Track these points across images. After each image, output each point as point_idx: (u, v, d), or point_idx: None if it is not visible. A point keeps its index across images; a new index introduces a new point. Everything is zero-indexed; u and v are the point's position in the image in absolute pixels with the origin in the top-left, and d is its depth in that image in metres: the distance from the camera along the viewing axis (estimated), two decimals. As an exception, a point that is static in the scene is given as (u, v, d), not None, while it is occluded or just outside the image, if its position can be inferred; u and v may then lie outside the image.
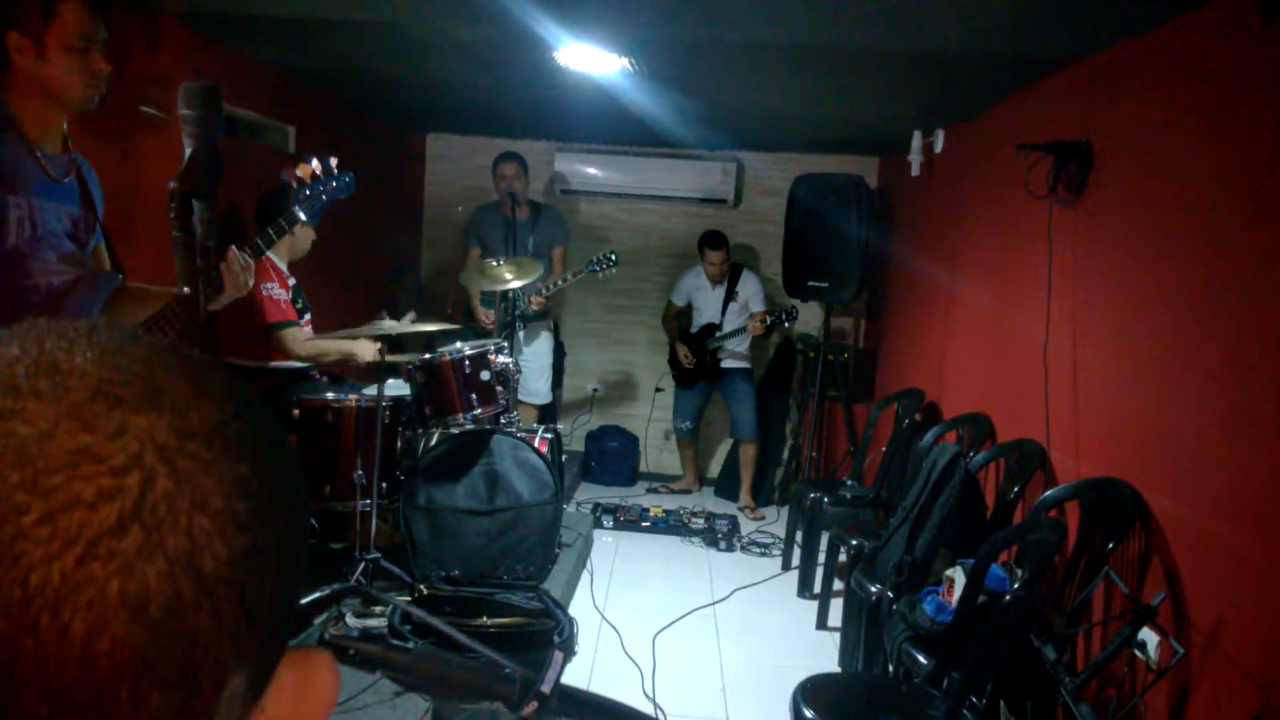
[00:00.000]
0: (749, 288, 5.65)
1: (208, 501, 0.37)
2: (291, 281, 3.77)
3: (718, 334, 5.61)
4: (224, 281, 2.26)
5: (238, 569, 0.38)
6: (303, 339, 3.66)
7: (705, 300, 5.72)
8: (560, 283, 5.00)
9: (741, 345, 5.65)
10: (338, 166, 2.76)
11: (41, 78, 1.92)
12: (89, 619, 0.34)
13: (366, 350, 3.71)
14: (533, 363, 5.20)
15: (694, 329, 5.77)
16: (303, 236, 3.81)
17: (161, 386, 0.39)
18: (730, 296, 5.64)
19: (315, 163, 2.71)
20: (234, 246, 2.33)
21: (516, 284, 4.33)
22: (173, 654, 0.35)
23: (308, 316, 3.86)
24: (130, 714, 0.35)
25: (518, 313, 4.64)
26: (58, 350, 0.38)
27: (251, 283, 2.35)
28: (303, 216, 2.68)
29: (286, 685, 0.43)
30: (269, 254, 3.72)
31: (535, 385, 5.28)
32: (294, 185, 2.67)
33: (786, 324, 5.38)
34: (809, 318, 6.03)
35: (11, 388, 0.36)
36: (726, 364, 5.68)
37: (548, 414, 5.73)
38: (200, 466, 0.38)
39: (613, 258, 4.94)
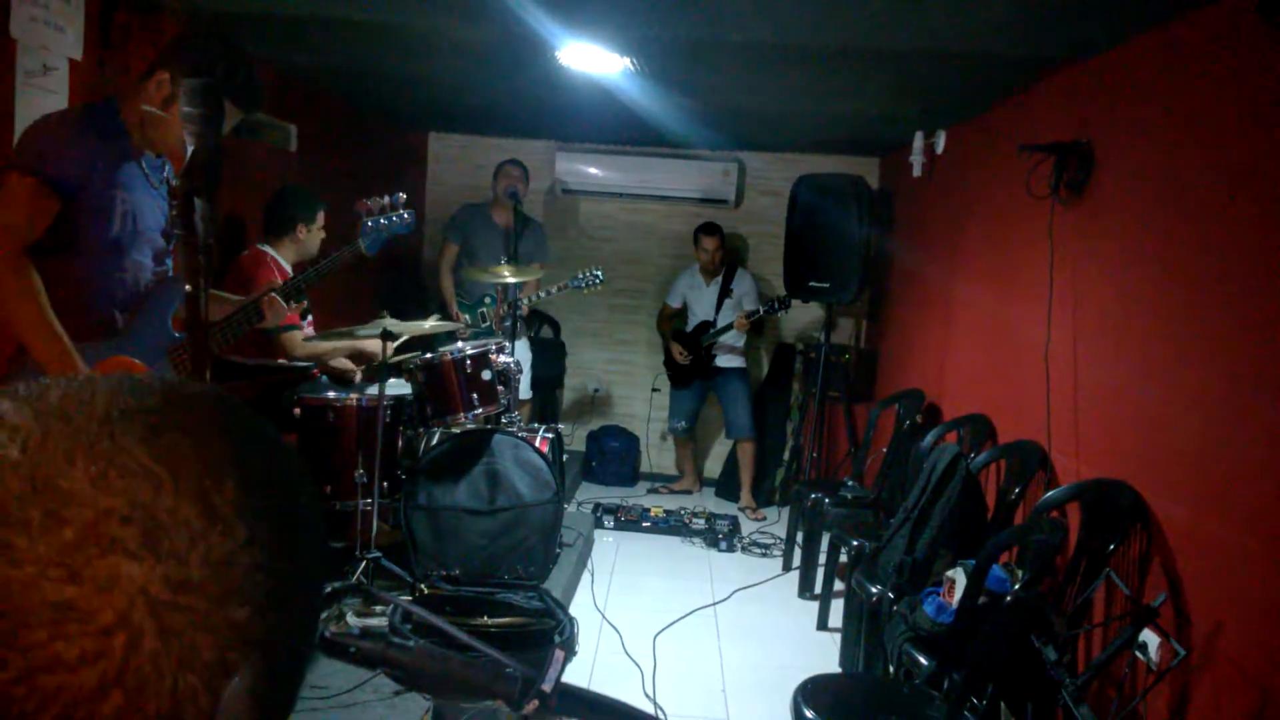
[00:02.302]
0: (743, 285, 5.66)
1: (197, 658, 0.35)
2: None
3: (712, 330, 5.61)
4: (265, 314, 2.53)
5: (226, 713, 0.36)
6: (301, 343, 3.66)
7: (700, 299, 5.73)
8: (543, 295, 5.00)
9: (738, 342, 5.65)
10: (404, 205, 2.98)
11: (154, 117, 2.14)
12: None
13: (367, 348, 3.72)
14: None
15: (689, 328, 5.77)
16: (311, 239, 3.81)
17: (163, 520, 0.36)
18: (725, 293, 5.65)
19: (385, 198, 2.89)
20: (276, 292, 2.57)
21: (513, 280, 4.34)
22: None
23: (309, 318, 3.86)
24: None
25: (518, 313, 4.65)
26: (59, 459, 0.35)
27: (283, 317, 2.62)
28: (365, 250, 2.88)
29: None
30: (275, 255, 3.73)
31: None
32: (362, 216, 2.86)
33: (779, 310, 5.35)
34: (810, 318, 6.03)
35: (2, 511, 0.34)
36: (721, 363, 5.68)
37: (544, 413, 5.73)
38: (194, 621, 0.35)
39: (599, 275, 4.95)
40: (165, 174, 2.31)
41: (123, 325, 2.23)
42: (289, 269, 3.75)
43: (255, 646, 0.37)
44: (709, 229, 5.61)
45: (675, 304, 5.86)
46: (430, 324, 3.58)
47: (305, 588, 0.41)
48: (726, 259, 5.69)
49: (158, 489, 0.36)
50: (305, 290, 2.71)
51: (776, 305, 5.29)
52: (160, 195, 2.27)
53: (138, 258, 2.23)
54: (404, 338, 3.48)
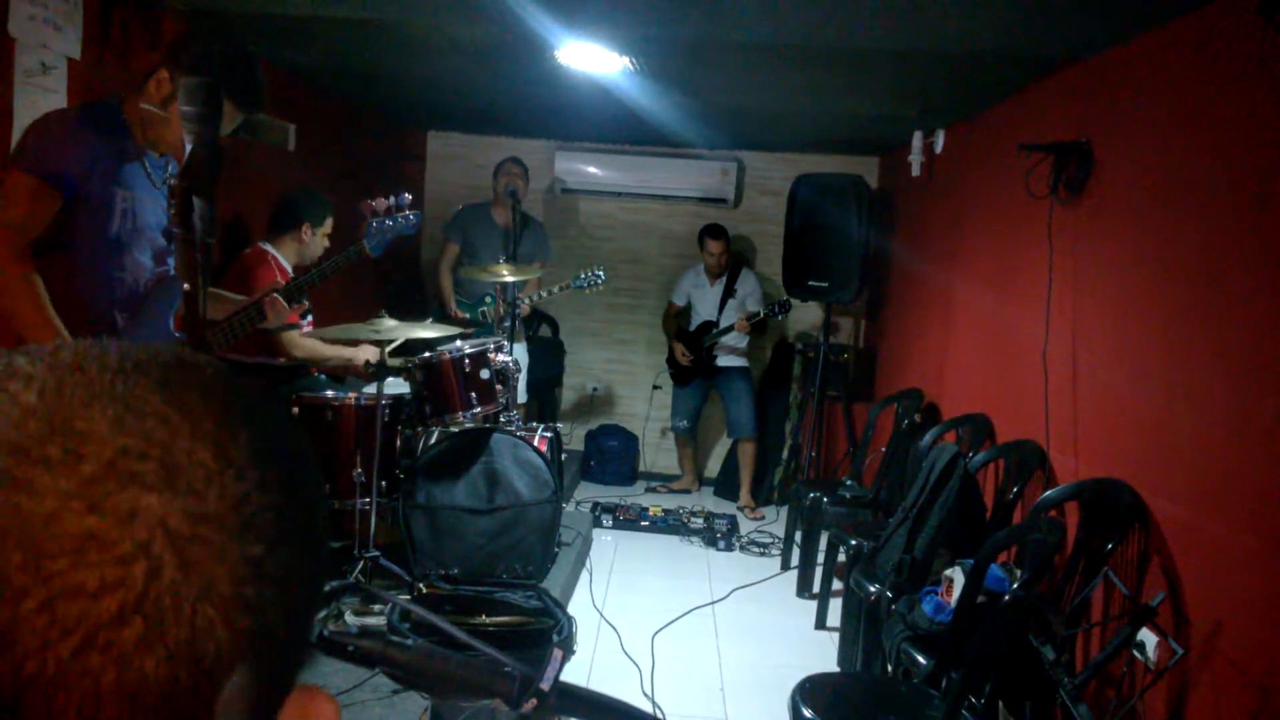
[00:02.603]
0: (747, 285, 5.66)
1: (214, 590, 0.36)
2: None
3: (714, 330, 5.61)
4: (266, 314, 2.53)
5: (241, 651, 0.37)
6: (300, 343, 3.65)
7: (704, 298, 5.73)
8: (544, 295, 5.01)
9: (740, 343, 5.66)
10: (410, 205, 2.93)
11: (154, 116, 2.14)
12: (83, 709, 0.33)
13: (365, 352, 3.72)
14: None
15: (692, 327, 5.77)
16: (314, 243, 3.81)
17: (180, 459, 0.37)
18: (729, 294, 5.65)
19: (391, 198, 2.84)
20: (279, 293, 2.59)
21: (512, 280, 4.35)
22: None
23: (309, 319, 3.86)
24: None
25: (517, 312, 4.65)
26: (75, 404, 0.36)
27: (284, 318, 2.63)
28: (370, 251, 2.83)
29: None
30: (276, 255, 3.73)
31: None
32: (366, 217, 2.80)
33: (779, 315, 5.36)
34: (809, 317, 6.03)
35: (21, 450, 0.35)
36: (723, 362, 5.68)
37: (543, 412, 5.73)
38: (211, 553, 0.36)
39: (600, 275, 4.96)
40: (168, 173, 2.31)
41: (123, 325, 2.23)
42: (289, 269, 3.75)
43: (270, 582, 0.38)
44: (714, 232, 5.60)
45: (680, 302, 5.86)
46: (427, 327, 3.58)
47: (313, 539, 0.42)
48: (731, 260, 5.69)
49: (174, 430, 0.37)
50: (307, 290, 2.71)
51: (777, 310, 5.30)
52: (162, 195, 2.27)
53: (138, 257, 2.24)
54: (398, 341, 3.48)
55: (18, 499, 0.34)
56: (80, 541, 0.34)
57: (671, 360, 5.86)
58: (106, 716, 0.33)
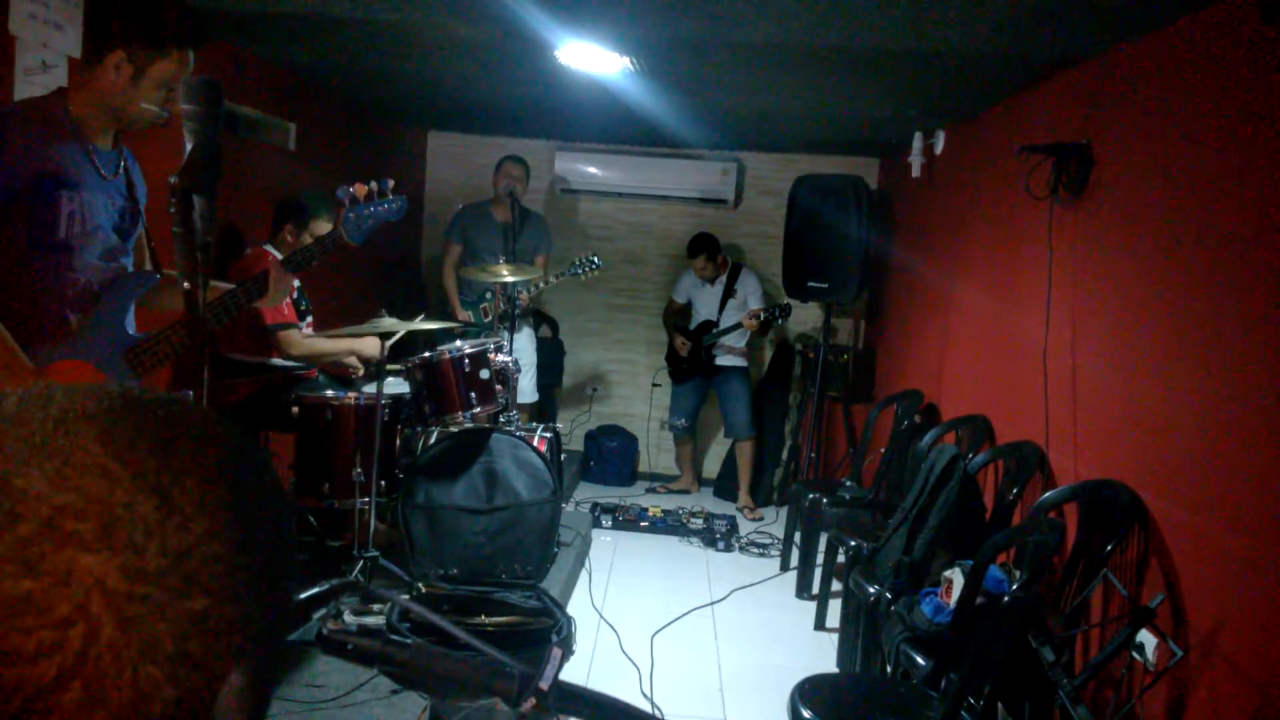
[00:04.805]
0: (747, 285, 5.66)
1: (158, 648, 0.35)
2: (296, 283, 3.76)
3: (714, 330, 5.61)
4: (268, 286, 2.37)
5: (193, 706, 0.36)
6: (297, 342, 3.65)
7: (704, 298, 5.73)
8: (542, 284, 5.02)
9: (740, 342, 5.66)
10: (392, 190, 2.71)
11: (123, 100, 2.04)
12: None
13: (368, 348, 3.72)
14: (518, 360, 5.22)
15: (692, 326, 5.77)
16: (301, 244, 3.80)
17: (119, 514, 0.36)
18: (729, 294, 5.65)
19: (373, 183, 2.66)
20: (278, 263, 2.43)
21: (511, 279, 4.36)
22: None
23: (309, 319, 3.86)
24: None
25: (516, 310, 4.65)
26: (15, 460, 0.36)
27: (287, 293, 2.48)
28: (348, 238, 2.62)
29: None
30: (278, 256, 3.72)
31: (521, 383, 5.28)
32: (345, 204, 2.63)
33: (780, 320, 5.38)
34: (809, 318, 6.03)
35: None
36: (722, 361, 5.68)
37: (542, 413, 5.73)
38: (152, 611, 0.35)
39: (595, 260, 4.96)
40: (121, 165, 2.20)
41: (76, 326, 2.12)
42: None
43: (218, 636, 0.37)
44: (692, 250, 5.58)
45: (681, 300, 5.86)
46: (419, 320, 3.57)
47: (270, 583, 0.41)
48: (726, 264, 5.68)
49: (113, 484, 0.36)
50: (301, 266, 2.54)
51: (777, 314, 5.30)
52: (115, 186, 2.15)
53: (88, 258, 2.11)
54: (399, 334, 3.47)
55: None
56: (16, 605, 0.33)
57: (671, 357, 5.87)
58: None
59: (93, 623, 0.34)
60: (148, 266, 2.34)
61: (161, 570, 0.36)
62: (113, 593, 0.34)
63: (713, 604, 4.22)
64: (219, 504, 0.39)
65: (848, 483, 4.62)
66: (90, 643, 0.34)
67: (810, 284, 5.25)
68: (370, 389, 3.51)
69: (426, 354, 3.72)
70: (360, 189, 2.64)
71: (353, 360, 3.81)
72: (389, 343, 3.41)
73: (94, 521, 0.35)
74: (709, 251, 5.56)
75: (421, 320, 3.66)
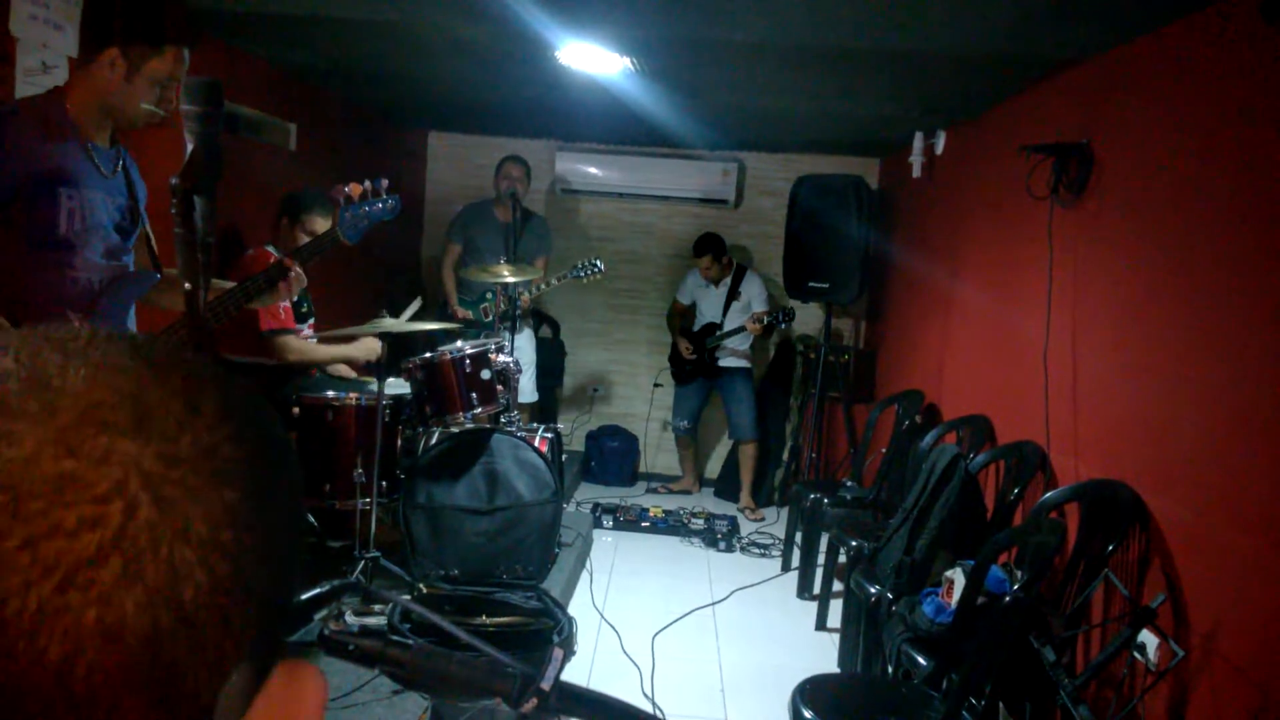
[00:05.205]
0: (752, 288, 5.66)
1: (191, 531, 0.37)
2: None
3: (718, 333, 5.61)
4: (279, 286, 2.39)
5: (221, 597, 0.37)
6: (294, 347, 3.64)
7: (708, 300, 5.73)
8: (544, 286, 5.02)
9: (743, 345, 5.66)
10: (386, 189, 2.70)
11: (120, 97, 2.04)
12: (65, 646, 0.34)
13: (367, 350, 3.72)
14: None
15: (696, 328, 5.77)
16: (298, 237, 3.80)
17: (152, 409, 0.38)
18: (733, 296, 5.65)
19: (367, 183, 2.65)
20: (288, 258, 2.43)
21: (513, 279, 4.36)
22: (151, 679, 0.35)
23: (311, 321, 3.85)
24: None
25: (517, 311, 4.65)
26: (51, 366, 0.38)
27: (297, 291, 2.46)
28: (344, 238, 2.62)
29: (274, 693, 0.42)
30: (275, 254, 3.72)
31: (521, 383, 5.28)
32: (340, 204, 2.63)
33: (783, 325, 5.39)
34: (809, 318, 6.03)
35: (1, 406, 0.36)
36: (726, 363, 5.68)
37: (543, 413, 5.73)
38: (186, 494, 0.37)
39: (597, 264, 4.97)
40: (120, 163, 2.18)
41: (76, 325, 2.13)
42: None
43: (247, 530, 0.39)
44: (699, 250, 5.59)
45: (685, 300, 5.86)
46: (414, 305, 3.56)
47: (287, 502, 0.43)
48: (730, 265, 5.68)
49: (145, 386, 0.39)
50: (306, 259, 2.51)
51: (781, 318, 5.31)
52: (115, 184, 2.15)
53: (89, 256, 2.11)
54: (401, 327, 3.47)
55: None
56: (58, 482, 0.35)
57: (674, 358, 5.86)
58: (88, 657, 0.34)
59: (131, 500, 0.36)
60: (149, 266, 2.34)
61: (194, 458, 0.38)
62: (149, 474, 0.36)
63: (714, 604, 4.22)
64: (240, 418, 0.41)
65: (849, 483, 4.62)
66: (128, 519, 0.35)
67: (811, 284, 5.25)
68: (371, 389, 3.51)
69: (427, 354, 3.72)
70: (355, 188, 2.63)
71: (345, 369, 3.82)
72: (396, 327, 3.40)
73: (128, 413, 0.37)
74: (715, 252, 5.55)
75: (417, 304, 3.65)
